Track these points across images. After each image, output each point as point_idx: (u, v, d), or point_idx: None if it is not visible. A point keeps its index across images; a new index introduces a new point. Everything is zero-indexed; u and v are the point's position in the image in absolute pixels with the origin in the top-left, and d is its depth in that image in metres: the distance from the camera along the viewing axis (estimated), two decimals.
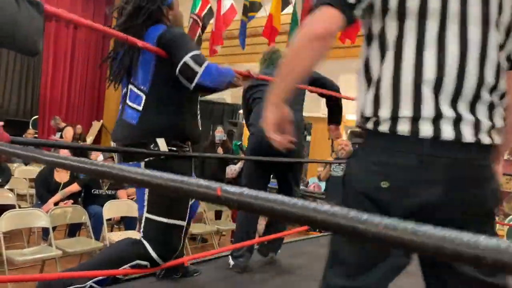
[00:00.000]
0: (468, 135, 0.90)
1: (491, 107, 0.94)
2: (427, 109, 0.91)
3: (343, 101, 7.68)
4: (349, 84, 7.62)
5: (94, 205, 4.10)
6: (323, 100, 7.88)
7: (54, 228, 3.58)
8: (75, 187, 4.24)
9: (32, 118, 9.29)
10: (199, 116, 1.98)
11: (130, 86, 1.82)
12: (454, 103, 0.91)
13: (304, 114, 8.14)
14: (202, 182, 0.43)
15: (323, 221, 0.38)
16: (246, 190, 0.41)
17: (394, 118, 0.94)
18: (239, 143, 5.94)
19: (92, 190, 4.32)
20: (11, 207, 3.85)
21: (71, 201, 4.18)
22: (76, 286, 1.60)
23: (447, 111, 0.91)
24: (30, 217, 3.45)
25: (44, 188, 4.27)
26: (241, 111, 8.43)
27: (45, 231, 3.78)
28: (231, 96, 8.75)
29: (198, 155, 2.16)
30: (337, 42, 6.03)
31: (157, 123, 1.77)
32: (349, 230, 0.35)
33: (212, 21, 7.34)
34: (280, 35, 6.51)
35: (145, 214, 1.76)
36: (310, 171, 7.56)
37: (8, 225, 3.23)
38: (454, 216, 0.92)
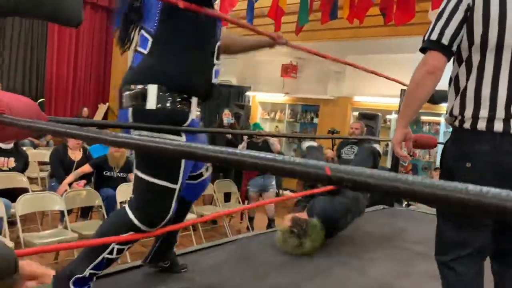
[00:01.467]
0: None
1: None
2: (499, 112, 1.30)
3: (352, 82, 7.65)
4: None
5: (106, 188, 4.13)
6: (330, 83, 7.84)
7: (68, 211, 3.62)
8: (87, 168, 4.28)
9: (38, 101, 9.27)
10: (215, 69, 1.68)
11: (141, 31, 1.61)
12: None
13: (311, 96, 8.11)
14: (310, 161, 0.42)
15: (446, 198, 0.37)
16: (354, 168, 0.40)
17: (475, 117, 1.33)
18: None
19: (104, 172, 4.34)
20: (24, 190, 3.89)
21: (85, 181, 4.23)
22: (77, 276, 1.52)
23: None
24: (45, 200, 3.48)
25: (59, 165, 4.33)
26: (248, 93, 8.43)
27: (59, 214, 3.83)
28: (237, 78, 8.71)
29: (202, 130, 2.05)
30: (344, 22, 5.95)
31: (154, 65, 1.55)
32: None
33: (217, 1, 7.24)
34: (286, 15, 6.42)
35: (134, 170, 1.60)
36: None
37: (24, 208, 3.27)
38: None
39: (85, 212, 4.18)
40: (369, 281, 2.05)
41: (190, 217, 3.24)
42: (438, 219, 1.45)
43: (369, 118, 5.61)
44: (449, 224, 1.40)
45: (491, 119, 1.30)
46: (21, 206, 3.19)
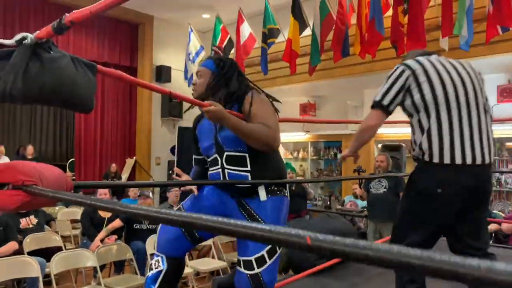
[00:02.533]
0: (479, 159, 1.77)
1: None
2: (457, 148, 1.74)
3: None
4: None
5: (136, 241, 4.18)
6: (350, 118, 7.86)
7: (101, 267, 3.67)
8: (117, 223, 4.37)
9: (69, 161, 9.64)
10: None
11: (226, 153, 1.82)
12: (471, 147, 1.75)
13: (332, 132, 8.14)
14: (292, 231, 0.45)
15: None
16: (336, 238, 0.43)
17: (441, 152, 1.75)
18: None
19: (134, 225, 4.42)
20: (58, 249, 3.99)
21: (115, 236, 4.30)
22: None
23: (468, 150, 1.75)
24: (78, 257, 3.56)
25: (90, 223, 4.44)
26: None
27: (92, 270, 3.88)
28: None
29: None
30: (358, 58, 6.06)
31: (268, 175, 1.83)
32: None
33: (233, 51, 7.54)
34: (300, 57, 6.60)
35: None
36: (345, 189, 7.48)
37: (59, 267, 3.35)
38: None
39: (118, 267, 4.23)
40: None
41: None
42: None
43: (393, 149, 5.56)
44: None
45: (452, 154, 1.73)
46: (56, 265, 3.26)
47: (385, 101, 1.86)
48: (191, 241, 1.90)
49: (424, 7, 5.38)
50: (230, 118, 1.67)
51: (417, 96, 1.80)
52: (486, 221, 1.98)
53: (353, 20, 6.23)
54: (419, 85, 1.80)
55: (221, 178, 1.84)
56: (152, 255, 3.87)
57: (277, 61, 7.27)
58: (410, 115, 1.89)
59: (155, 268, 1.88)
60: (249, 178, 1.79)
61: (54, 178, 1.10)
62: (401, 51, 5.45)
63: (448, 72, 1.85)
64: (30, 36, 1.07)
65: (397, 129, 6.64)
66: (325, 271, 2.76)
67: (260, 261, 1.74)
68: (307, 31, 6.57)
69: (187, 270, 3.98)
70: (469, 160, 1.73)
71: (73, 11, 1.01)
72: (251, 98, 1.81)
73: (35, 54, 1.12)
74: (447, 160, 1.73)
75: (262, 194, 1.81)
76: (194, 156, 2.09)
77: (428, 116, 1.78)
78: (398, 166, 5.34)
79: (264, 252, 1.75)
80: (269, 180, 1.83)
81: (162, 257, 1.88)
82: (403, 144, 5.77)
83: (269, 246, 1.75)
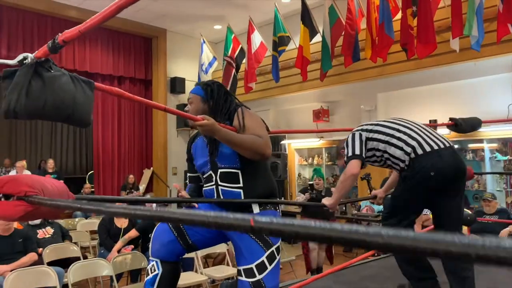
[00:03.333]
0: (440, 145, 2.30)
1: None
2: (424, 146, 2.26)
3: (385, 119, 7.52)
4: (387, 101, 7.51)
5: None
6: (363, 122, 7.80)
7: (118, 275, 3.74)
8: (133, 233, 4.46)
9: (88, 173, 9.87)
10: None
11: (220, 171, 1.92)
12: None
13: (346, 137, 8.08)
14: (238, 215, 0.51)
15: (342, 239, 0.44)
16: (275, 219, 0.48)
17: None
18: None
19: (149, 235, 4.48)
20: (76, 259, 4.10)
21: (132, 246, 4.39)
22: None
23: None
24: (94, 267, 3.65)
25: (106, 234, 4.54)
26: (283, 142, 8.58)
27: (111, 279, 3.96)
28: (271, 128, 8.88)
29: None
30: (370, 62, 6.05)
31: (259, 191, 1.92)
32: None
33: (244, 60, 7.63)
34: (311, 64, 6.64)
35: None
36: (361, 194, 7.42)
37: (76, 276, 3.44)
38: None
39: (135, 276, 4.31)
40: None
41: None
42: None
43: None
44: None
45: (423, 148, 2.21)
46: (73, 274, 3.35)
47: (357, 152, 2.32)
48: (184, 247, 1.96)
49: (434, 8, 5.36)
50: (221, 130, 1.77)
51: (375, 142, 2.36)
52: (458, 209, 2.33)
53: (363, 25, 6.24)
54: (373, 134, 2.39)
55: (215, 195, 1.93)
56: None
57: (289, 69, 7.32)
58: (380, 152, 2.36)
59: (151, 273, 1.94)
60: (242, 194, 1.89)
61: (56, 190, 1.17)
62: (411, 54, 5.43)
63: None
64: (30, 56, 1.14)
65: None
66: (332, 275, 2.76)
67: (261, 267, 1.78)
68: (317, 38, 6.61)
69: (201, 278, 4.03)
70: (435, 147, 2.20)
71: (65, 31, 1.08)
72: (241, 113, 1.93)
73: (36, 73, 1.19)
74: (422, 151, 2.17)
75: (256, 209, 1.90)
76: (188, 174, 2.22)
77: (391, 144, 2.29)
78: None
79: (264, 258, 1.78)
80: (264, 200, 1.92)
81: (156, 261, 1.94)
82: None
83: (269, 252, 1.78)
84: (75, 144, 8.99)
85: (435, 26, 5.22)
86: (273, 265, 1.80)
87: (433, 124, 3.51)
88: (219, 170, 1.92)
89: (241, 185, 1.89)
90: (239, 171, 1.89)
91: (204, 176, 2.01)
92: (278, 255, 1.84)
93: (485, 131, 5.93)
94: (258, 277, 1.77)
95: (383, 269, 2.78)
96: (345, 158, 2.36)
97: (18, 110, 1.17)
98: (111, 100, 8.87)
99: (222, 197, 1.92)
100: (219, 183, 1.92)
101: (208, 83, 2.07)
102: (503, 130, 5.89)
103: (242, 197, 1.89)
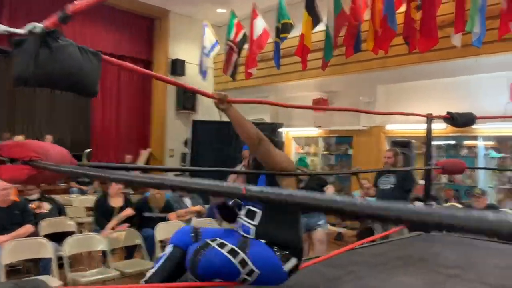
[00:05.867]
0: None
1: None
2: None
3: (383, 111, 7.61)
4: (386, 94, 7.54)
5: (147, 228, 4.33)
6: (362, 114, 7.80)
7: (112, 251, 3.81)
8: (129, 211, 4.52)
9: (86, 151, 9.88)
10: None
11: (247, 206, 2.03)
12: None
13: (343, 127, 8.17)
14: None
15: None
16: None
17: None
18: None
19: (145, 214, 4.56)
20: (72, 234, 4.16)
21: (128, 224, 4.45)
22: None
23: None
24: (89, 241, 3.72)
25: (101, 213, 4.59)
26: (281, 129, 8.62)
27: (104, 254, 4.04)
28: (270, 115, 8.93)
29: None
30: (371, 54, 6.06)
31: (273, 237, 1.92)
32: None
33: (246, 45, 7.62)
34: (312, 53, 6.64)
35: None
36: (354, 184, 7.51)
37: (71, 249, 3.51)
38: None
39: (130, 252, 4.38)
40: None
41: None
42: None
43: (402, 145, 5.56)
44: None
45: None
46: (68, 247, 3.42)
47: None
48: (194, 239, 2.07)
49: (437, 3, 5.36)
50: (232, 107, 1.93)
51: None
52: None
53: (366, 16, 6.23)
54: None
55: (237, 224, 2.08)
56: (161, 241, 4.02)
57: (291, 56, 7.32)
58: None
59: (163, 253, 2.13)
60: (251, 231, 1.96)
61: (59, 155, 1.22)
62: (413, 47, 5.45)
63: None
64: (39, 26, 1.17)
65: (406, 126, 6.65)
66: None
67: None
68: (320, 27, 6.60)
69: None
70: None
71: (74, 2, 1.11)
72: None
73: (44, 43, 1.23)
74: None
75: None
76: None
77: None
78: (407, 161, 5.34)
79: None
80: None
81: (170, 246, 2.12)
82: (412, 140, 5.77)
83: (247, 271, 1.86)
84: (75, 121, 9.01)
85: (438, 20, 5.23)
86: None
87: (430, 116, 3.55)
88: (247, 207, 2.04)
89: (254, 223, 1.96)
90: (260, 211, 1.97)
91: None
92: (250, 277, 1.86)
93: (480, 128, 5.99)
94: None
95: (373, 255, 2.86)
96: None
97: (27, 77, 1.21)
98: (110, 79, 8.87)
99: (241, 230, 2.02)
100: (241, 216, 2.04)
101: None
102: (498, 128, 5.95)
103: (253, 236, 1.95)
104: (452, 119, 3.45)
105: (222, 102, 1.90)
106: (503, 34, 4.80)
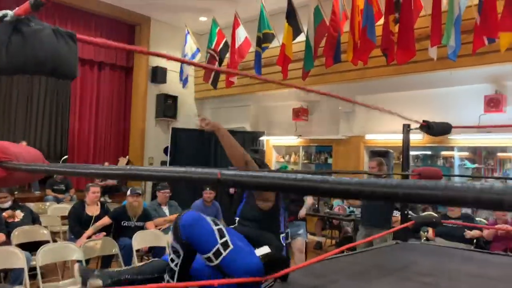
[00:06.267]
0: None
1: None
2: None
3: (362, 121, 7.75)
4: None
5: (124, 237, 4.24)
6: (341, 123, 7.91)
7: (88, 261, 3.72)
8: (106, 220, 4.42)
9: (62, 158, 9.67)
10: None
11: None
12: None
13: (323, 137, 8.24)
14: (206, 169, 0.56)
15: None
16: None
17: None
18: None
19: (122, 222, 4.47)
20: (46, 243, 4.04)
21: (104, 233, 4.36)
22: None
23: None
24: (64, 250, 3.61)
25: (77, 221, 4.48)
26: (262, 138, 8.63)
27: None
28: (251, 124, 8.94)
29: None
30: (351, 65, 6.16)
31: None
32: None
33: (227, 54, 7.64)
34: (293, 63, 6.71)
35: None
36: None
37: (44, 259, 3.40)
38: None
39: (106, 262, 4.28)
40: None
41: None
42: None
43: (380, 155, 5.64)
44: None
45: None
46: (41, 257, 3.32)
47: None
48: None
49: (415, 16, 5.51)
50: (222, 128, 2.14)
51: None
52: None
53: (346, 27, 6.34)
54: None
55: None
56: (137, 250, 3.95)
57: (271, 66, 7.37)
58: None
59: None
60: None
61: (30, 156, 1.18)
62: (391, 59, 5.57)
63: None
64: (10, 13, 1.15)
65: (385, 136, 6.76)
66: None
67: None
68: (301, 37, 6.68)
69: None
70: None
71: None
72: None
73: (16, 29, 1.19)
74: None
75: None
76: None
77: None
78: (386, 171, 5.41)
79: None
80: None
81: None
82: (391, 150, 5.87)
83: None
84: (51, 127, 8.80)
85: (416, 34, 5.37)
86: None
87: (407, 125, 3.62)
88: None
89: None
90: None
91: None
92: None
93: (456, 139, 6.15)
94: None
95: (351, 264, 2.87)
96: None
97: (0, 66, 1.18)
98: (90, 85, 8.74)
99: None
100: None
101: None
102: (473, 139, 6.11)
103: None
104: (428, 127, 3.52)
105: (212, 127, 2.11)
106: (477, 48, 4.95)
